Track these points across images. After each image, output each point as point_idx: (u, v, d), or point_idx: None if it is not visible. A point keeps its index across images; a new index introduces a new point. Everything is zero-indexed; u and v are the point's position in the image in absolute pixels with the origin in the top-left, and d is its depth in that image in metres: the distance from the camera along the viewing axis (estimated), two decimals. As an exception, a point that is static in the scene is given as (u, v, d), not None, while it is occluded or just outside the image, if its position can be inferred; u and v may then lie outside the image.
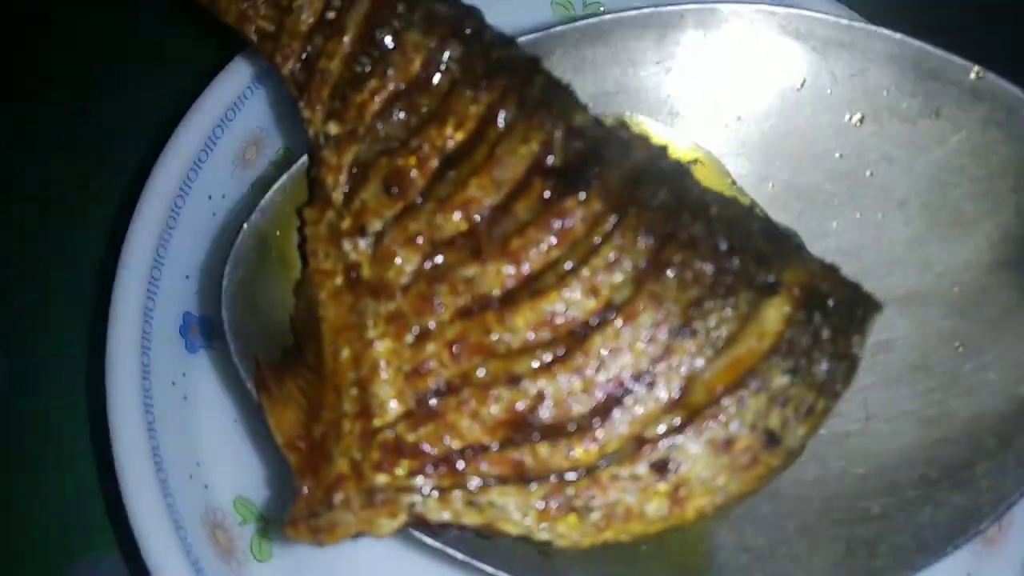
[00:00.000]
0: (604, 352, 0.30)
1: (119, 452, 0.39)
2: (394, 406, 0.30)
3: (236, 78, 0.46)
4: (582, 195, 0.30)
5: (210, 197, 0.45)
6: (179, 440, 0.41)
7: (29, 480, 0.46)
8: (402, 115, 0.32)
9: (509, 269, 0.30)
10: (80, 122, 0.55)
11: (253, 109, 0.46)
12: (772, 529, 0.35)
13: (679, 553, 0.34)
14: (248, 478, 0.43)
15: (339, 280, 0.32)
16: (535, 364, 0.30)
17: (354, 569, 0.42)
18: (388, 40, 0.33)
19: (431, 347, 0.30)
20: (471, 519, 0.30)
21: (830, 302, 0.31)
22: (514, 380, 0.30)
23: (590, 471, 0.30)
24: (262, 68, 0.46)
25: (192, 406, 0.43)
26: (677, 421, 0.30)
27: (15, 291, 0.50)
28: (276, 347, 0.35)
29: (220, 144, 0.45)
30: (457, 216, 0.31)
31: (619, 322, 0.30)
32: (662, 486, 0.30)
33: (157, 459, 0.39)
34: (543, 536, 0.30)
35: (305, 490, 0.31)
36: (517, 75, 0.33)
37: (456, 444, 0.30)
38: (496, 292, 0.30)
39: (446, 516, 0.30)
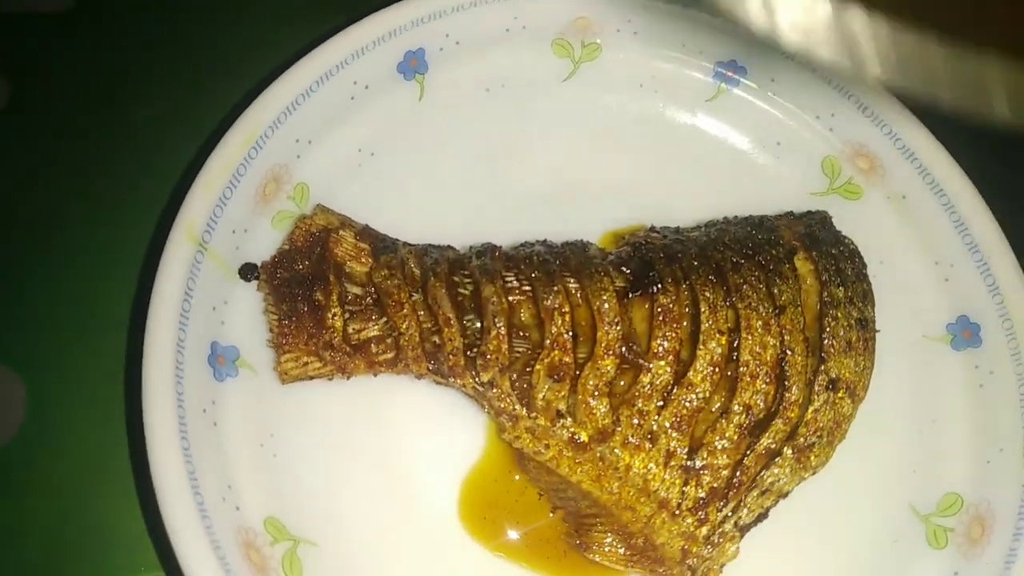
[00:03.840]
0: (752, 356, 0.42)
1: (158, 476, 0.41)
2: (675, 486, 0.41)
3: (259, 116, 0.48)
4: (656, 288, 0.43)
5: (233, 231, 0.47)
6: (211, 464, 0.43)
7: (63, 504, 0.47)
8: (522, 334, 0.43)
9: (661, 363, 0.42)
10: (118, 145, 0.56)
11: (272, 147, 0.49)
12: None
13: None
14: (276, 499, 0.44)
15: (568, 453, 0.42)
16: (727, 394, 0.42)
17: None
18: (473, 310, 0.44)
19: (662, 439, 0.41)
20: (769, 501, 0.42)
21: (816, 233, 0.46)
22: (726, 412, 0.42)
23: (799, 422, 0.42)
24: (281, 108, 0.49)
25: (221, 432, 0.44)
26: (814, 363, 0.43)
27: (45, 315, 0.51)
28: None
29: (244, 180, 0.47)
30: (609, 357, 0.42)
31: (748, 337, 0.42)
32: (841, 394, 0.43)
33: (193, 483, 0.41)
34: (809, 474, 0.43)
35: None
36: (543, 271, 0.44)
37: (725, 471, 0.41)
38: (668, 377, 0.42)
39: (756, 513, 0.42)
